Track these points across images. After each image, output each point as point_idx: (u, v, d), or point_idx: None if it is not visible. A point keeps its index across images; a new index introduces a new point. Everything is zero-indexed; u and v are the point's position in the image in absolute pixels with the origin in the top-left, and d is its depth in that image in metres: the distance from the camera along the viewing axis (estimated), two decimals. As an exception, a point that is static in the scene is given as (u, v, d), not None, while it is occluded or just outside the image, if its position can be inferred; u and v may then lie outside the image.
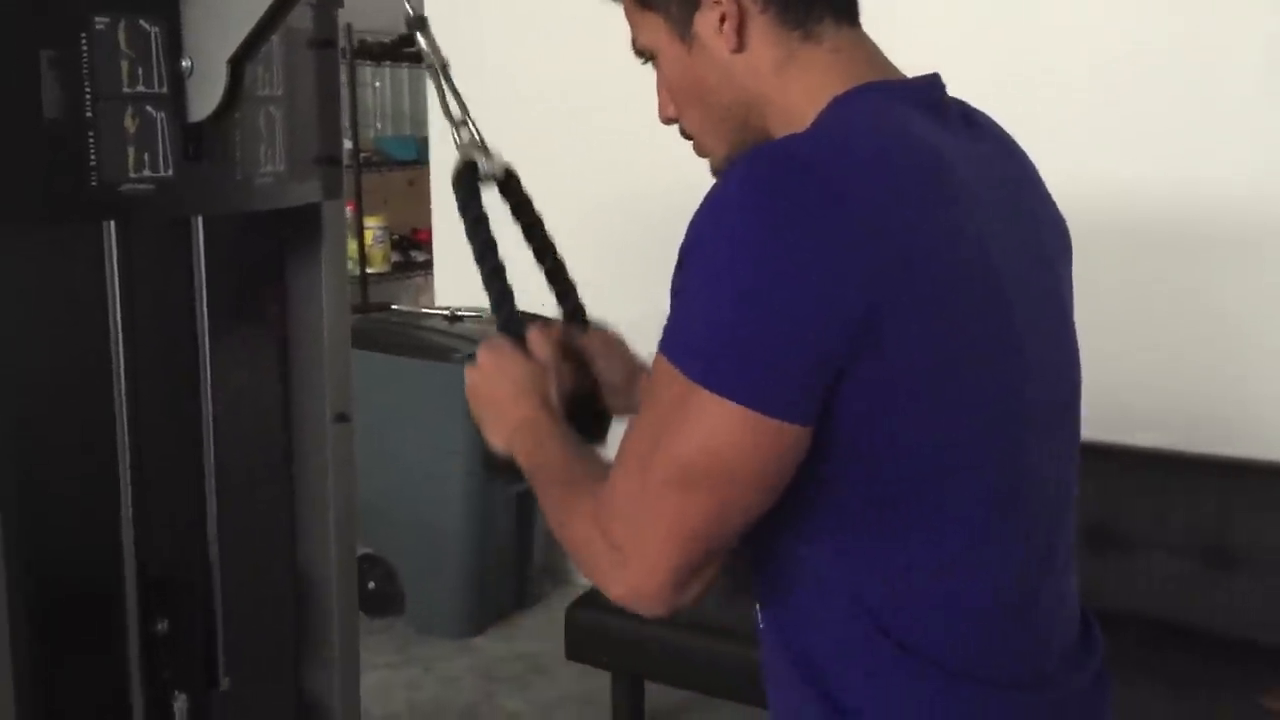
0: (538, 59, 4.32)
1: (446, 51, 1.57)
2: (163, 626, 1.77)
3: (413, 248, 6.79)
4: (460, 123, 1.54)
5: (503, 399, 1.43)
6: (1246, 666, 2.99)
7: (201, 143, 1.64)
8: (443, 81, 1.56)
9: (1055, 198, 1.37)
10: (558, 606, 3.96)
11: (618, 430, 1.47)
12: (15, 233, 1.58)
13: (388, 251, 6.60)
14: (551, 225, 1.58)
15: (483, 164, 1.53)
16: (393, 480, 4.19)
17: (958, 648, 1.21)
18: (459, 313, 4.36)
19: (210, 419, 1.84)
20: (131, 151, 1.57)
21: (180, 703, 1.80)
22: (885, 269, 1.08)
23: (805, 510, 1.18)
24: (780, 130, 1.24)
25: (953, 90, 1.29)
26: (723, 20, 1.24)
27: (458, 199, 1.51)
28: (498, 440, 1.43)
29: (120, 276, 1.66)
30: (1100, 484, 3.04)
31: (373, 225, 6.45)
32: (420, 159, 6.23)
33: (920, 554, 1.18)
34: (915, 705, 1.21)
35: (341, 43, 1.93)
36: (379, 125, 7.14)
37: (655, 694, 3.65)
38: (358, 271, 6.21)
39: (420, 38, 1.56)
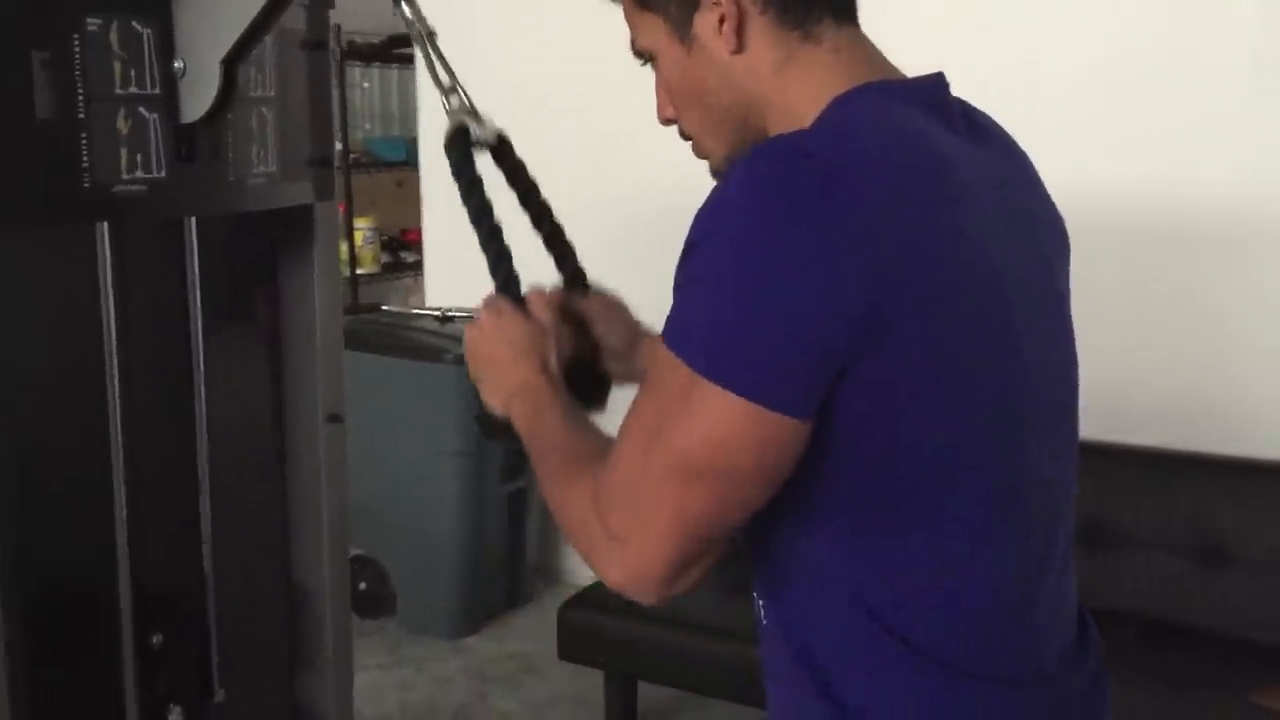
0: (525, 60, 4.32)
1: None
2: (157, 640, 1.77)
3: (402, 249, 6.78)
4: (450, 90, 1.52)
5: (502, 360, 1.42)
6: (1240, 665, 3.00)
7: (194, 144, 1.64)
8: (430, 50, 1.54)
9: (1047, 199, 1.37)
10: (550, 606, 3.95)
11: (616, 398, 1.48)
12: (7, 234, 1.57)
13: (377, 252, 6.59)
14: (537, 239, 1.57)
15: (474, 130, 1.51)
16: (384, 481, 4.18)
17: (958, 647, 1.21)
18: (449, 313, 4.36)
19: (204, 420, 1.84)
20: (124, 152, 1.57)
21: (175, 715, 1.80)
22: (886, 269, 1.08)
23: (806, 506, 1.18)
24: (780, 131, 1.23)
25: (945, 91, 1.29)
26: (722, 21, 1.24)
27: (451, 163, 1.49)
28: (495, 401, 1.43)
29: (113, 278, 1.66)
30: (1094, 483, 3.04)
31: (362, 226, 6.45)
32: (409, 160, 6.22)
33: (920, 554, 1.18)
34: (916, 702, 1.21)
35: (330, 44, 1.93)
36: (368, 126, 7.12)
37: (648, 693, 3.65)
38: (348, 272, 6.20)
39: (404, 6, 1.55)
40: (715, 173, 1.31)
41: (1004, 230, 1.21)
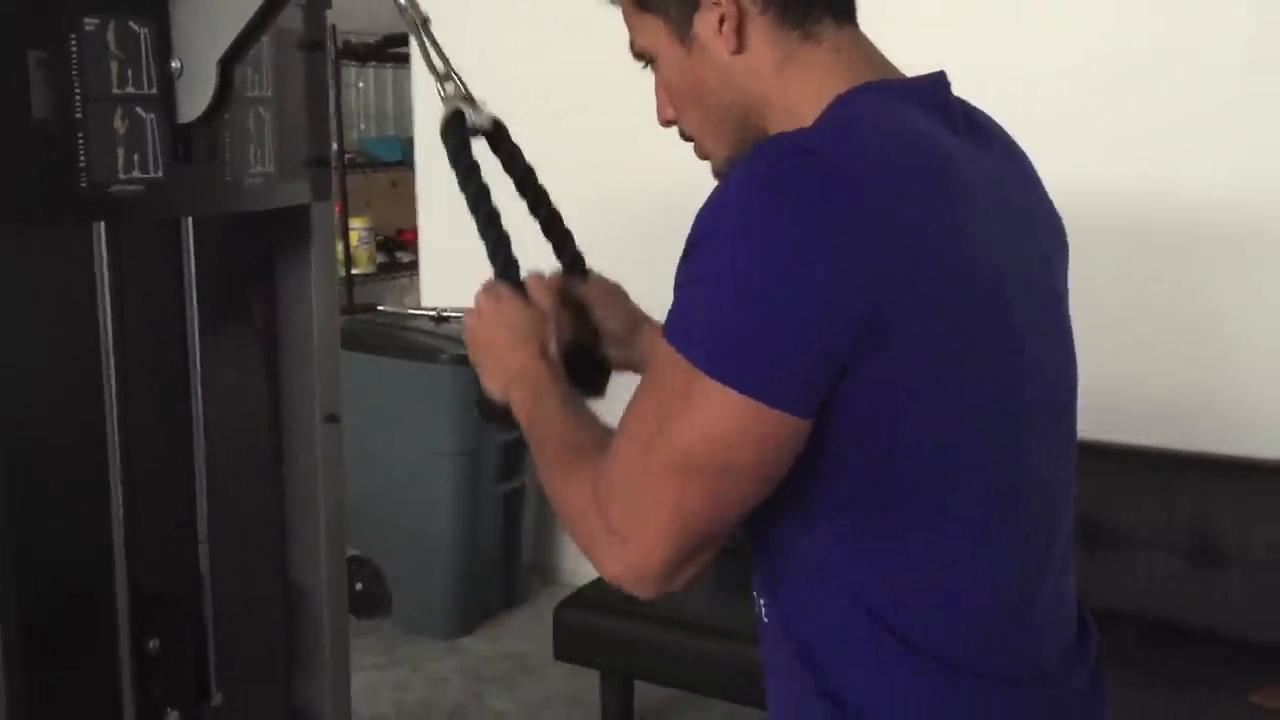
0: (525, 60, 4.32)
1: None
2: (154, 644, 1.77)
3: (397, 249, 6.78)
4: (445, 76, 1.51)
5: (501, 345, 1.41)
6: (1237, 664, 3.01)
7: (191, 144, 1.64)
8: (424, 36, 1.53)
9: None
10: (545, 606, 3.95)
11: (615, 385, 1.47)
12: (4, 234, 1.57)
13: (373, 252, 6.59)
14: (536, 237, 1.57)
15: (470, 115, 1.50)
16: (379, 481, 4.18)
17: (958, 646, 1.21)
18: (445, 313, 4.36)
19: (201, 420, 1.83)
20: (121, 152, 1.56)
21: (172, 719, 1.79)
22: (887, 268, 1.08)
23: (807, 506, 1.19)
24: (781, 130, 1.23)
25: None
26: (722, 21, 1.24)
27: (448, 150, 1.48)
28: (494, 386, 1.42)
29: (110, 278, 1.66)
30: (1092, 482, 3.04)
31: (358, 226, 6.45)
32: (404, 160, 6.22)
33: (920, 553, 1.19)
34: (916, 700, 1.21)
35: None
36: (362, 126, 7.12)
37: (644, 693, 3.65)
38: (343, 272, 6.20)
39: None
40: (717, 174, 1.31)
41: (1004, 230, 1.21)
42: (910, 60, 1.31)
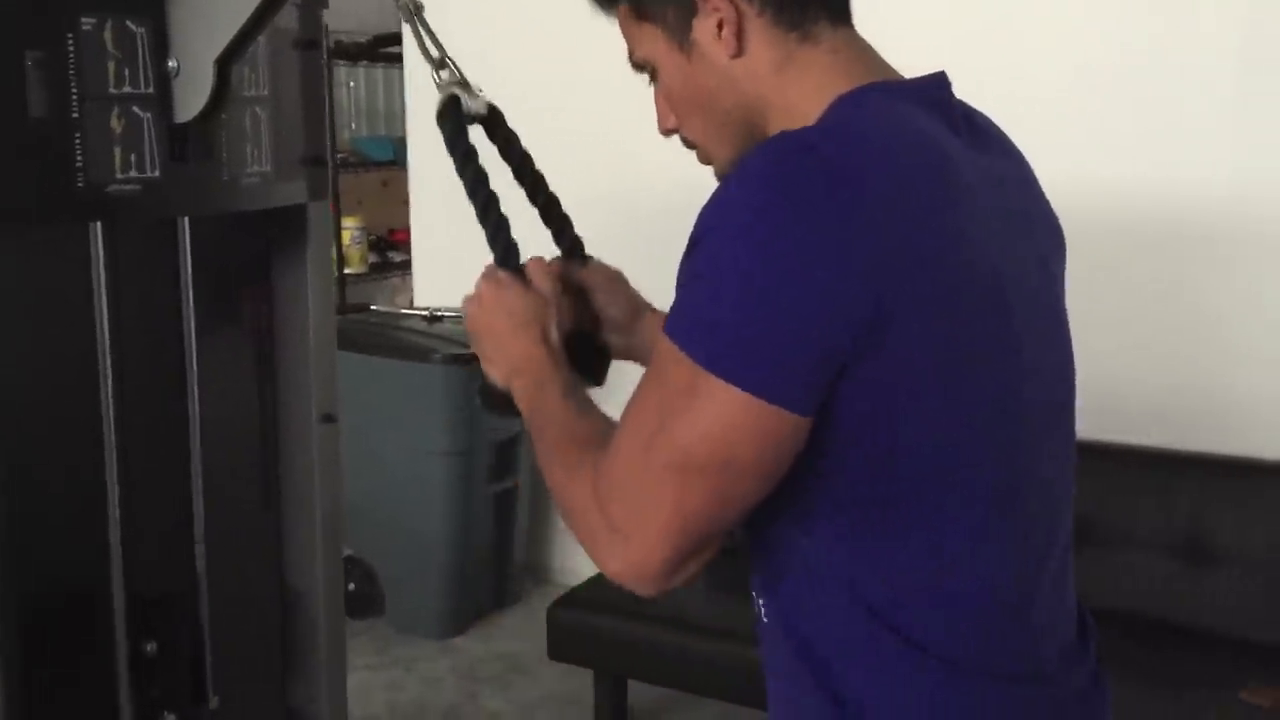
0: (525, 59, 4.31)
1: (413, 55, 1.55)
2: (151, 647, 1.76)
3: (389, 248, 6.77)
4: (440, 63, 1.50)
5: (502, 331, 1.40)
6: (1229, 662, 3.02)
7: (188, 143, 1.63)
8: (418, 24, 1.52)
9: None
10: (538, 606, 3.96)
11: (616, 373, 1.47)
12: (1, 233, 1.56)
13: (365, 252, 6.58)
14: (532, 225, 1.56)
15: (466, 101, 1.48)
16: (372, 481, 4.17)
17: (957, 646, 1.21)
18: (438, 313, 4.35)
19: (197, 420, 1.83)
20: (118, 152, 1.56)
21: (169, 722, 1.79)
22: (889, 258, 1.09)
23: (806, 505, 1.19)
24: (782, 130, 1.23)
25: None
26: (720, 25, 1.24)
27: (445, 134, 1.46)
28: (496, 373, 1.41)
29: (106, 277, 1.65)
30: (1089, 482, 3.04)
31: (350, 226, 6.43)
32: (396, 159, 6.21)
33: (920, 553, 1.19)
34: (916, 698, 1.21)
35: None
36: (354, 125, 7.11)
37: (637, 692, 3.65)
38: (335, 272, 6.19)
39: None
40: (720, 178, 1.31)
41: (1002, 230, 1.21)
42: (910, 61, 1.32)
